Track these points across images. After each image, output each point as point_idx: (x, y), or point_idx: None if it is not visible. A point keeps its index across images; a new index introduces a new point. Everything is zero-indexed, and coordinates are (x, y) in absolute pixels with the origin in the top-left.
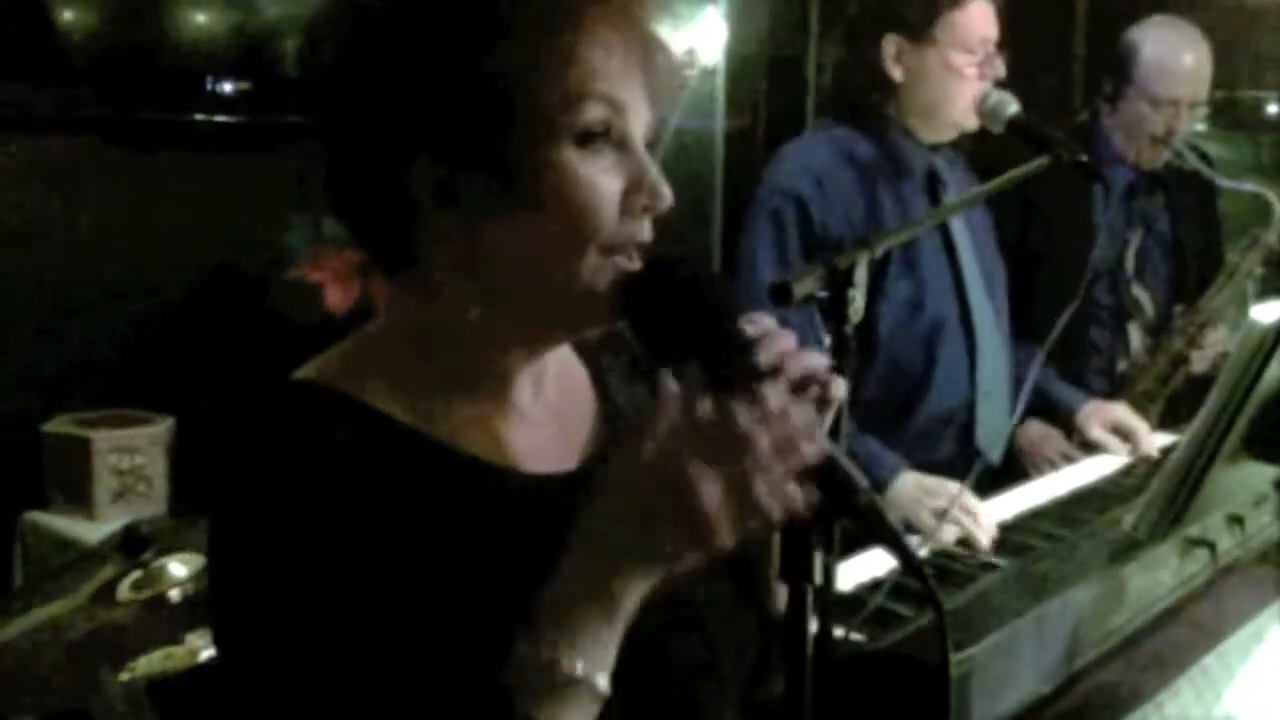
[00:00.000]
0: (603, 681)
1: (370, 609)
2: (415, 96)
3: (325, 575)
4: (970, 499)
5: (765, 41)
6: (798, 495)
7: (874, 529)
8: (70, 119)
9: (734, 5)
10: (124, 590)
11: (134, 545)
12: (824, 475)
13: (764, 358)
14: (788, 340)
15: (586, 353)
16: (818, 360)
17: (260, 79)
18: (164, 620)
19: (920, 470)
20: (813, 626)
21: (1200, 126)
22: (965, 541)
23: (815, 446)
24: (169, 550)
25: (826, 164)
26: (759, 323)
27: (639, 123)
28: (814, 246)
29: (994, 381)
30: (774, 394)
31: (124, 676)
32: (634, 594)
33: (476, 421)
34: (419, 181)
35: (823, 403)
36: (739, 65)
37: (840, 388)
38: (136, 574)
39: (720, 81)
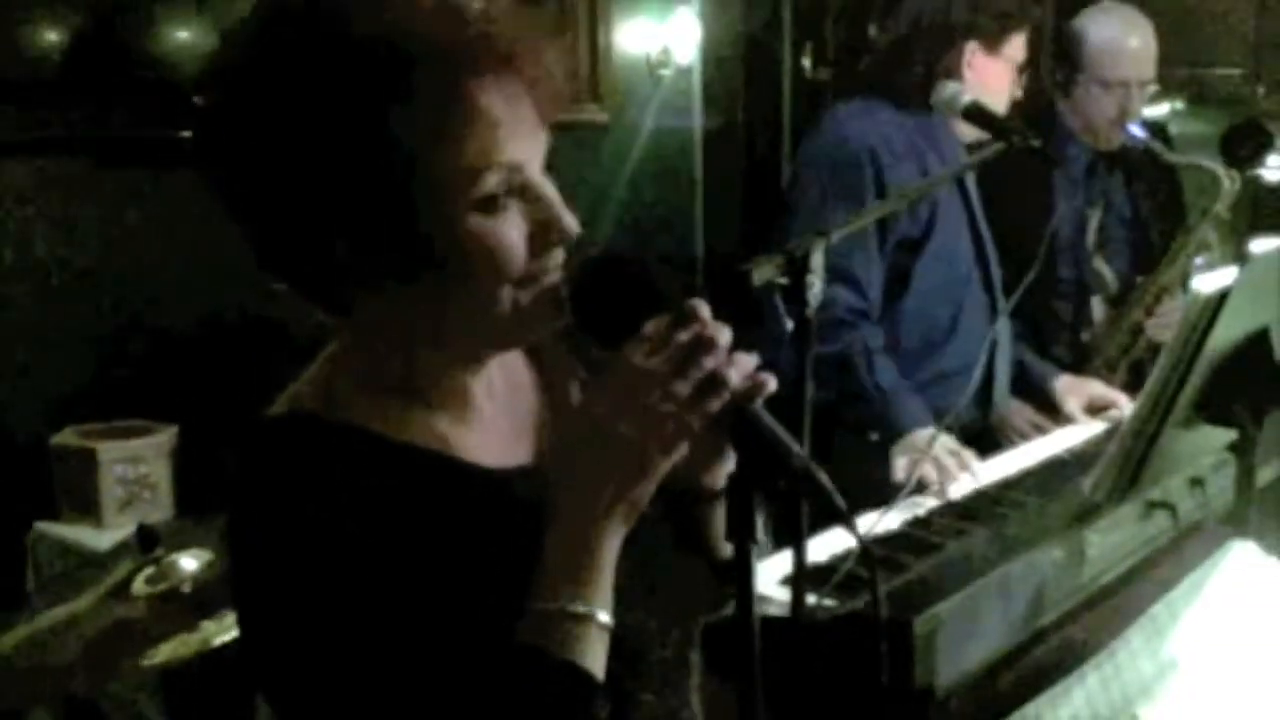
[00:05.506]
0: (604, 615)
1: (389, 611)
2: (320, 184)
3: (346, 596)
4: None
5: (741, 39)
6: (710, 406)
7: (808, 490)
8: (61, 139)
9: (709, 4)
10: (139, 585)
11: (147, 543)
12: (756, 440)
13: (683, 335)
14: (723, 336)
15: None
16: (748, 359)
17: None
18: (177, 611)
19: (937, 412)
20: (785, 596)
21: (1169, 106)
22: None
23: (714, 359)
24: (179, 547)
25: (887, 130)
26: (699, 309)
27: (539, 160)
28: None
29: (1005, 338)
30: (652, 326)
31: (144, 663)
32: (613, 539)
33: (442, 428)
34: (334, 262)
35: (754, 396)
36: (715, 64)
37: (771, 384)
38: (150, 570)
39: (696, 80)
